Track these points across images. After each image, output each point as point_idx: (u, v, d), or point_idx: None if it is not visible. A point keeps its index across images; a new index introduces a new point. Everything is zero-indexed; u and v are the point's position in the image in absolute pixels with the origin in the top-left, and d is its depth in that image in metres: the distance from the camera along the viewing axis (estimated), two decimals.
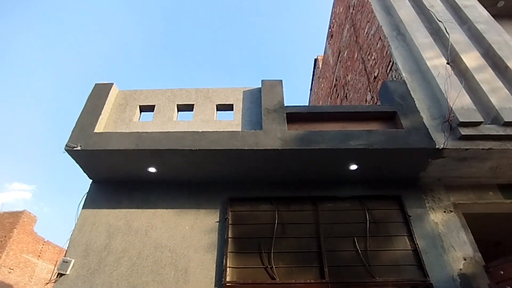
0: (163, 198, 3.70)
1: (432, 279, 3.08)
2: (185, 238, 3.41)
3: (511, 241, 4.58)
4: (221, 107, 3.98)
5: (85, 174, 3.79)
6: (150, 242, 3.40)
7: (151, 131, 3.54)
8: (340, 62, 7.08)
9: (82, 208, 3.69)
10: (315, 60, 9.74)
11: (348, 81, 6.46)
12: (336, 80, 7.42)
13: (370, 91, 5.23)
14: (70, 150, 3.40)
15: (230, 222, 3.45)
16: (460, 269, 3.17)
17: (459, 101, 3.45)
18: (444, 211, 3.55)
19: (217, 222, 3.49)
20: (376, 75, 4.94)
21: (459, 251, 3.28)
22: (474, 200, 3.64)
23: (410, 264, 3.20)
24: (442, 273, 3.15)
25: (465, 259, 3.23)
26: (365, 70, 5.42)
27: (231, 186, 3.72)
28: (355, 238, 3.35)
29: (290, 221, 3.46)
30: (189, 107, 3.98)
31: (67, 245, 3.45)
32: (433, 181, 3.77)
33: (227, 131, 3.44)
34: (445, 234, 3.40)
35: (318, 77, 9.43)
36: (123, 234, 3.47)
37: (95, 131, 3.55)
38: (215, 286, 3.10)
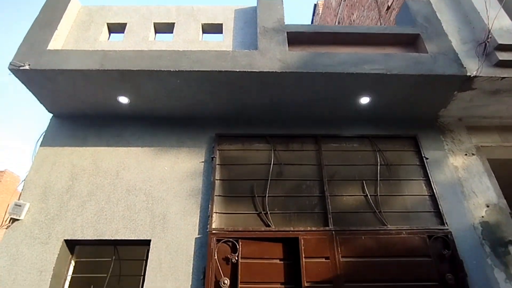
0: (138, 135, 3.10)
1: (450, 227, 2.66)
2: (164, 180, 2.87)
3: None
4: (208, 28, 3.26)
5: (42, 106, 3.13)
6: (122, 184, 2.85)
7: (120, 49, 2.84)
8: (344, 0, 6.28)
9: (40, 145, 3.07)
10: (315, 5, 8.82)
11: (354, 20, 5.72)
12: (338, 23, 6.65)
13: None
14: (16, 70, 2.71)
15: (217, 162, 2.90)
16: (482, 217, 2.76)
17: (498, 22, 2.85)
18: (465, 154, 3.08)
19: (202, 162, 2.94)
20: (390, 4, 4.23)
21: (481, 197, 2.85)
22: (499, 142, 3.17)
23: (427, 211, 2.76)
24: (462, 221, 2.73)
25: (488, 206, 2.81)
26: (376, 1, 4.70)
27: (219, 122, 3.14)
28: (363, 181, 2.86)
29: (288, 162, 2.94)
30: (169, 27, 3.25)
31: (21, 187, 2.88)
32: (454, 121, 3.26)
33: (215, 51, 2.77)
34: (466, 179, 2.95)
35: (318, 24, 8.59)
36: (90, 176, 2.90)
37: (48, 48, 2.83)
38: (198, 234, 2.62)
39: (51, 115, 3.24)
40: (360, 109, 3.06)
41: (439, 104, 3.06)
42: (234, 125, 3.12)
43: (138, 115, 3.15)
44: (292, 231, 2.56)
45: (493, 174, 2.99)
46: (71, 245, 2.69)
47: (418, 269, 2.45)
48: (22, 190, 2.85)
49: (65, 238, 2.61)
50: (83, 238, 2.61)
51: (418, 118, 3.21)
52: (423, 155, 3.00)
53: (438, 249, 2.57)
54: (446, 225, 2.66)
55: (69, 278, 2.67)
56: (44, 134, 3.13)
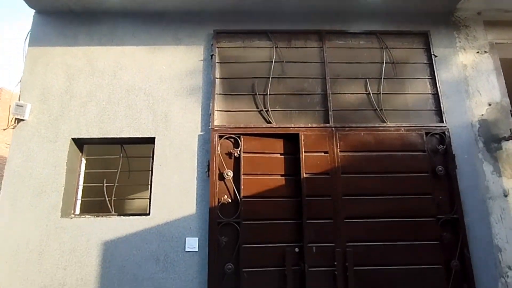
0: (132, 33, 2.92)
1: (449, 125, 2.71)
2: (163, 79, 2.81)
3: None
4: None
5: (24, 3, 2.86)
6: (121, 84, 2.81)
7: None
8: None
9: (29, 45, 2.92)
10: None
11: None
12: None
13: None
14: None
15: (217, 60, 2.80)
16: (482, 115, 2.78)
17: None
18: (477, 52, 2.94)
19: (201, 60, 2.83)
20: None
21: (485, 96, 2.83)
22: None
23: (427, 109, 2.77)
24: (461, 118, 2.76)
25: (489, 104, 2.81)
26: None
27: (218, 17, 2.91)
28: (367, 80, 2.80)
29: (290, 60, 2.82)
30: None
31: (18, 89, 2.84)
32: (472, 16, 3.02)
33: None
34: (473, 77, 2.87)
35: None
36: (87, 76, 2.83)
37: None
38: (201, 131, 2.69)
39: (33, 11, 2.99)
40: (369, 2, 2.79)
41: None
42: (233, 21, 2.90)
43: (129, 11, 2.90)
44: (292, 127, 2.61)
45: (502, 73, 2.90)
46: (79, 143, 2.79)
47: (412, 162, 2.58)
48: (20, 91, 2.82)
49: (72, 137, 2.69)
50: (89, 137, 2.69)
51: (432, 12, 2.96)
52: (432, 53, 2.86)
53: (434, 144, 2.67)
54: (444, 122, 2.70)
55: (82, 173, 2.85)
56: (30, 32, 2.95)
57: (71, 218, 2.56)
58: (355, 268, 2.34)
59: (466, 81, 2.84)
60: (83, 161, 2.86)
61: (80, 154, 2.83)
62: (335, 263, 2.35)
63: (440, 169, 2.59)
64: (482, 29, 2.98)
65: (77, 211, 2.76)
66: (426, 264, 2.41)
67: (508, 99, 2.80)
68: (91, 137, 2.69)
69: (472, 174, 2.64)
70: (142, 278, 2.43)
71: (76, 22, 2.95)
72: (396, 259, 2.41)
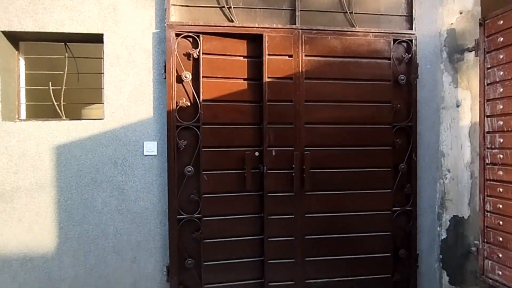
0: None
1: (417, 33, 2.63)
2: None
3: None
4: None
5: None
6: None
7: None
8: None
9: None
10: None
11: None
12: None
13: None
14: None
15: None
16: (451, 24, 2.71)
17: None
18: None
19: None
20: None
21: (457, 3, 2.71)
22: None
23: (399, 14, 2.64)
24: (430, 26, 2.68)
25: (460, 13, 2.72)
26: None
27: None
28: None
29: None
30: None
31: None
32: None
33: None
34: None
35: None
36: None
37: None
38: (156, 29, 2.41)
39: None
40: None
41: None
42: None
43: None
44: (256, 27, 2.41)
45: None
46: (13, 39, 2.43)
47: (376, 70, 2.55)
48: None
49: (2, 29, 2.32)
50: (22, 30, 2.33)
51: None
52: None
53: (400, 53, 2.62)
54: (414, 30, 2.62)
55: (22, 75, 2.55)
56: None
57: (16, 122, 2.36)
58: (311, 170, 2.45)
59: None
60: (21, 60, 2.53)
61: (16, 52, 2.49)
62: (293, 165, 2.44)
63: (402, 78, 2.59)
64: None
65: (23, 116, 2.55)
66: (377, 167, 2.58)
67: (479, 8, 2.72)
68: (25, 30, 2.33)
69: (431, 84, 2.69)
70: (101, 181, 2.40)
71: None
72: (351, 163, 2.55)
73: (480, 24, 2.54)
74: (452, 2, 2.71)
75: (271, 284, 2.47)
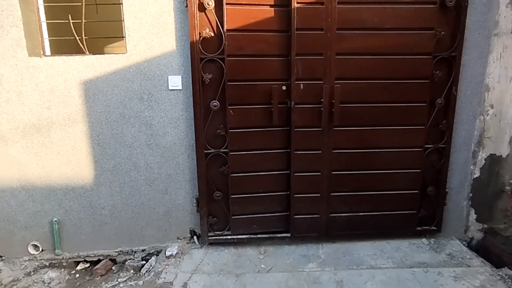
0: None
1: None
2: None
3: None
4: None
5: None
6: None
7: None
8: None
9: None
10: None
11: None
12: None
13: None
14: None
15: None
16: None
17: None
18: None
19: None
20: None
21: None
22: None
23: None
24: None
25: None
26: None
27: None
28: None
29: None
30: None
31: None
32: None
33: None
34: None
35: None
36: None
37: None
38: None
39: None
40: None
41: None
42: None
43: None
44: None
45: None
46: None
47: None
48: None
49: None
50: None
51: None
52: None
53: None
54: None
55: (41, 7, 2.47)
56: None
57: (42, 57, 2.35)
58: (341, 105, 2.34)
59: None
60: None
61: None
62: (322, 100, 2.33)
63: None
64: None
65: (48, 52, 2.53)
66: (412, 102, 2.42)
67: None
68: None
69: (485, 6, 2.34)
70: (129, 116, 2.44)
71: None
72: (384, 97, 2.40)
73: None
74: None
75: (296, 216, 2.56)
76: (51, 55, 2.44)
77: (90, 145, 2.47)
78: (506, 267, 2.33)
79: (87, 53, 2.45)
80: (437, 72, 2.39)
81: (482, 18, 2.36)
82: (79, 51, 2.46)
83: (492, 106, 2.50)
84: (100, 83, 2.37)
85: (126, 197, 2.57)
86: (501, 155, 2.58)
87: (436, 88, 2.42)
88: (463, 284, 2.17)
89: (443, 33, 2.33)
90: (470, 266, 2.36)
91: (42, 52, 2.46)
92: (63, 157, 2.47)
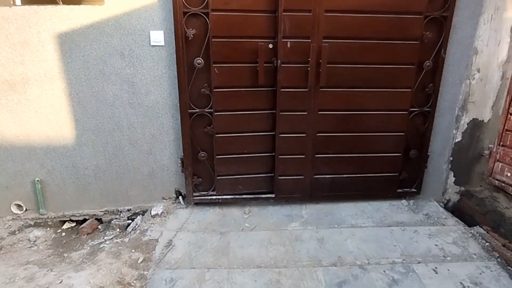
0: None
1: None
2: None
3: None
4: None
5: None
6: None
7: None
8: None
9: None
10: None
11: None
12: None
13: None
14: None
15: None
16: None
17: None
18: None
19: None
20: None
21: None
22: None
23: None
24: None
25: None
26: None
27: None
28: None
29: None
30: None
31: None
32: None
33: None
34: None
35: None
36: None
37: None
38: None
39: None
40: None
41: None
42: None
43: None
44: None
45: None
46: None
47: None
48: None
49: None
50: None
51: None
52: None
53: None
54: None
55: None
56: None
57: (11, 7, 2.18)
58: (328, 65, 2.29)
59: None
60: None
61: None
62: (309, 59, 2.27)
63: None
64: None
65: (18, 2, 2.36)
66: (400, 64, 2.38)
67: None
68: None
69: None
70: (110, 73, 2.34)
71: None
72: (372, 58, 2.35)
73: None
74: None
75: (281, 177, 2.59)
76: (21, 5, 2.27)
77: (70, 104, 2.38)
78: (477, 226, 2.45)
79: (61, 3, 2.29)
80: (427, 33, 2.33)
81: None
82: (53, 2, 2.30)
83: (478, 70, 2.50)
84: (77, 37, 2.24)
85: (109, 158, 2.54)
86: (483, 120, 2.62)
87: (425, 50, 2.39)
88: (437, 240, 2.28)
89: None
90: (444, 225, 2.47)
91: (12, 2, 2.29)
92: (42, 116, 2.39)
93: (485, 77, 2.51)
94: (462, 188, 2.80)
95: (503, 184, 2.48)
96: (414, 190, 2.74)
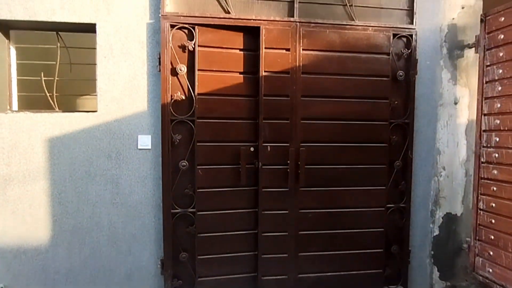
0: None
1: (418, 27, 2.58)
2: None
3: None
4: None
5: None
6: None
7: None
8: None
9: None
10: None
11: None
12: None
13: None
14: None
15: None
16: (453, 19, 2.66)
17: None
18: None
19: None
20: None
21: None
22: None
23: (400, 8, 2.58)
24: (431, 21, 2.63)
25: (462, 7, 2.67)
26: None
27: None
28: None
29: None
30: None
31: None
32: None
33: None
34: None
35: None
36: None
37: None
38: (150, 19, 2.35)
39: None
40: None
41: None
42: None
43: None
44: (253, 19, 2.35)
45: None
46: (4, 27, 2.36)
47: (375, 65, 2.51)
48: None
49: None
50: (13, 19, 2.26)
51: None
52: None
53: (399, 48, 2.57)
54: (414, 24, 2.56)
55: (14, 65, 2.49)
56: None
57: (7, 113, 2.32)
58: (306, 166, 2.44)
59: None
60: (13, 50, 2.47)
61: (7, 41, 2.42)
62: (288, 162, 2.43)
63: (400, 74, 2.56)
64: None
65: (15, 107, 2.50)
66: (373, 164, 2.57)
67: (481, 3, 2.67)
68: (16, 19, 2.26)
69: (430, 81, 2.65)
70: (95, 174, 2.39)
71: None
72: (346, 159, 2.53)
73: (481, 20, 2.49)
74: None
75: (264, 278, 2.50)
76: (17, 111, 2.41)
77: (50, 203, 2.36)
78: None
79: (57, 109, 2.45)
80: (394, 137, 2.59)
81: (428, 91, 2.65)
82: (48, 107, 2.46)
83: (444, 168, 2.71)
84: (67, 140, 2.34)
85: (85, 259, 2.42)
86: (456, 214, 2.74)
87: (394, 151, 2.61)
88: None
89: (396, 102, 2.58)
90: None
91: (8, 108, 2.44)
92: (19, 216, 2.33)
93: (450, 174, 2.72)
94: (448, 283, 2.77)
95: (487, 280, 2.47)
96: (401, 287, 2.68)
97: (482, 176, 2.50)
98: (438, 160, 2.70)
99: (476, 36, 2.54)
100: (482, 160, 2.50)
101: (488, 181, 2.45)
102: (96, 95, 2.37)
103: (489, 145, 2.45)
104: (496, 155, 2.39)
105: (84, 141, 2.36)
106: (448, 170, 2.71)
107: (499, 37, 2.38)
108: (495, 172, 2.40)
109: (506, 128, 2.33)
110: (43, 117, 2.32)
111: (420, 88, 2.62)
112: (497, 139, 2.40)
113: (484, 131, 2.49)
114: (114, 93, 2.35)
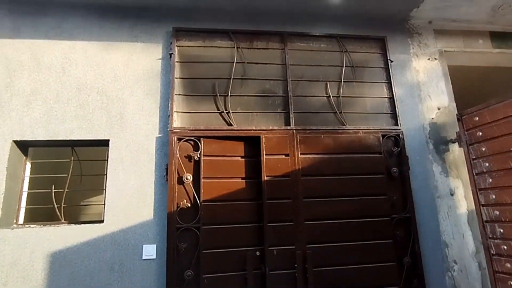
0: (82, 27, 2.71)
1: (403, 127, 2.84)
2: (118, 78, 2.64)
3: (492, 96, 4.54)
4: None
5: None
6: (71, 82, 2.60)
7: None
8: None
9: None
10: None
11: None
12: None
13: None
14: None
15: (176, 60, 2.68)
16: (432, 118, 2.95)
17: None
18: (428, 59, 3.11)
19: (159, 59, 2.71)
20: None
21: (435, 100, 3.00)
22: (462, 48, 3.20)
23: (384, 112, 2.88)
24: (414, 121, 2.91)
25: (439, 109, 2.99)
26: None
27: (177, 14, 2.80)
28: (327, 83, 2.85)
29: (252, 61, 2.79)
30: None
31: None
32: (423, 24, 3.18)
33: None
34: (424, 83, 3.04)
35: None
36: (31, 72, 2.58)
37: None
38: (159, 133, 2.57)
39: None
40: (330, 6, 2.84)
41: (413, 2, 2.91)
42: (193, 19, 2.81)
43: (80, 3, 2.70)
44: (254, 130, 2.59)
45: (449, 79, 3.10)
46: (23, 146, 2.55)
47: (369, 164, 2.67)
48: None
49: (14, 139, 2.45)
50: (34, 139, 2.47)
51: (388, 19, 3.09)
52: (388, 58, 2.97)
53: (389, 146, 2.78)
54: (399, 125, 2.83)
55: (27, 179, 2.61)
56: None
57: (13, 228, 2.33)
58: (314, 269, 2.38)
59: (418, 86, 3.00)
60: (28, 165, 2.62)
61: (24, 157, 2.59)
62: (295, 265, 2.37)
63: (394, 170, 2.71)
64: (433, 37, 3.16)
65: (21, 220, 2.53)
66: (380, 262, 2.50)
67: (454, 104, 2.99)
68: (37, 139, 2.47)
69: (423, 175, 2.79)
70: None
71: (17, 12, 2.68)
72: (353, 259, 2.48)
73: (458, 119, 2.77)
74: (430, 100, 2.99)
75: None
76: (23, 224, 2.42)
77: None
78: None
79: (63, 220, 2.48)
80: (398, 232, 2.59)
81: (423, 184, 2.76)
82: (55, 218, 2.48)
83: (455, 262, 2.64)
84: (70, 254, 2.30)
85: None
86: None
87: (401, 247, 2.58)
88: None
89: (395, 197, 2.66)
90: None
91: (15, 222, 2.46)
92: None
93: (464, 268, 2.63)
94: None
95: None
96: None
97: (496, 269, 2.43)
98: (447, 253, 2.65)
99: (456, 132, 2.78)
100: (492, 252, 2.47)
101: (504, 275, 2.37)
102: (103, 204, 2.43)
103: (495, 237, 2.45)
104: (505, 247, 2.37)
105: (87, 254, 2.32)
106: (460, 264, 2.64)
107: (477, 134, 2.61)
108: (508, 265, 2.35)
109: (507, 220, 2.38)
110: (48, 231, 2.33)
111: (415, 182, 2.73)
112: (501, 230, 2.41)
113: (486, 221, 2.52)
114: (121, 203, 2.42)
